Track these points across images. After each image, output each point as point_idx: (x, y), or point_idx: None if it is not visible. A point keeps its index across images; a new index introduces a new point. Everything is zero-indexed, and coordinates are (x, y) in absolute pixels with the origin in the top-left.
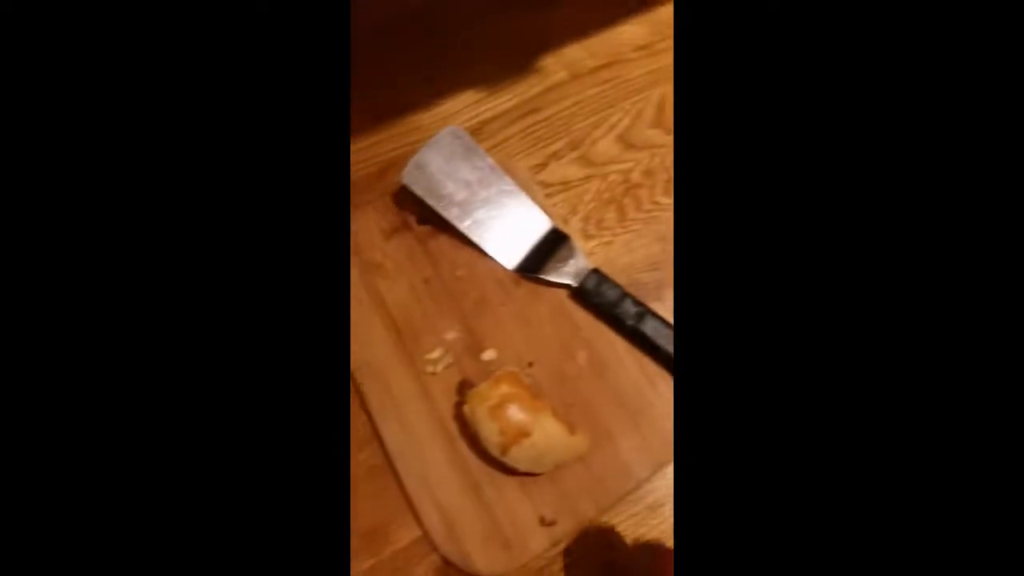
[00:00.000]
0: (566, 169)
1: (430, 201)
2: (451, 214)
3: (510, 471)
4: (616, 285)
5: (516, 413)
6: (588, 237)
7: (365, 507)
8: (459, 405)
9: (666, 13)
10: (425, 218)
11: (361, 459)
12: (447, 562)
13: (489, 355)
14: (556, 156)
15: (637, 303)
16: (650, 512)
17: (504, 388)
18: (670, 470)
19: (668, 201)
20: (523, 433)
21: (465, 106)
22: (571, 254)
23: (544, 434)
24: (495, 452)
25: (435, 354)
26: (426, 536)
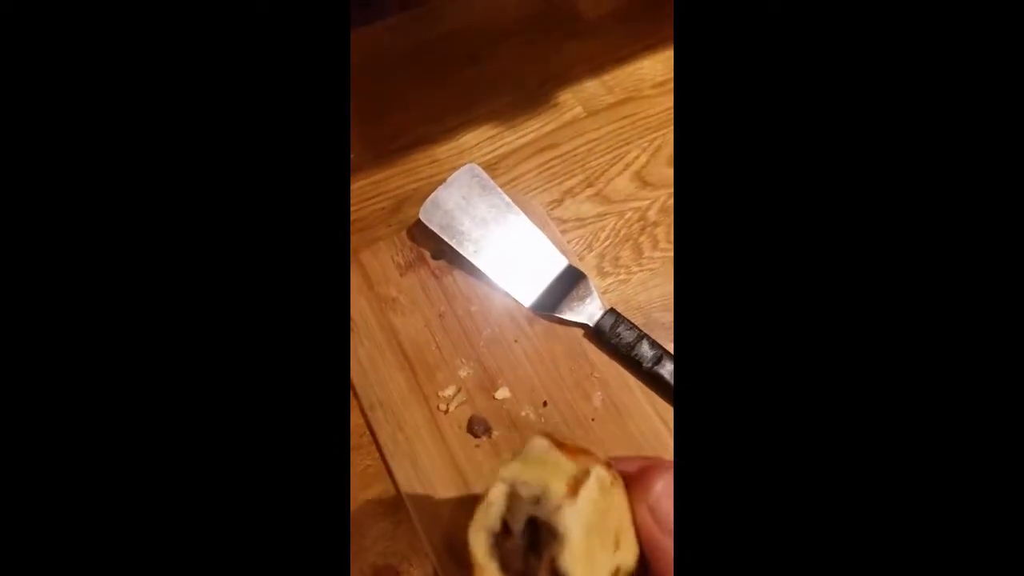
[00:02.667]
0: (581, 206)
1: (446, 237)
2: (466, 250)
3: None
4: (633, 326)
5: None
6: (604, 275)
7: (376, 546)
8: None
9: None
10: (440, 253)
11: (372, 496)
12: None
13: (503, 393)
14: (571, 193)
15: (654, 345)
16: None
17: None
18: None
19: None
20: None
21: (481, 141)
22: (587, 293)
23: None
24: None
25: (448, 391)
26: (437, 574)
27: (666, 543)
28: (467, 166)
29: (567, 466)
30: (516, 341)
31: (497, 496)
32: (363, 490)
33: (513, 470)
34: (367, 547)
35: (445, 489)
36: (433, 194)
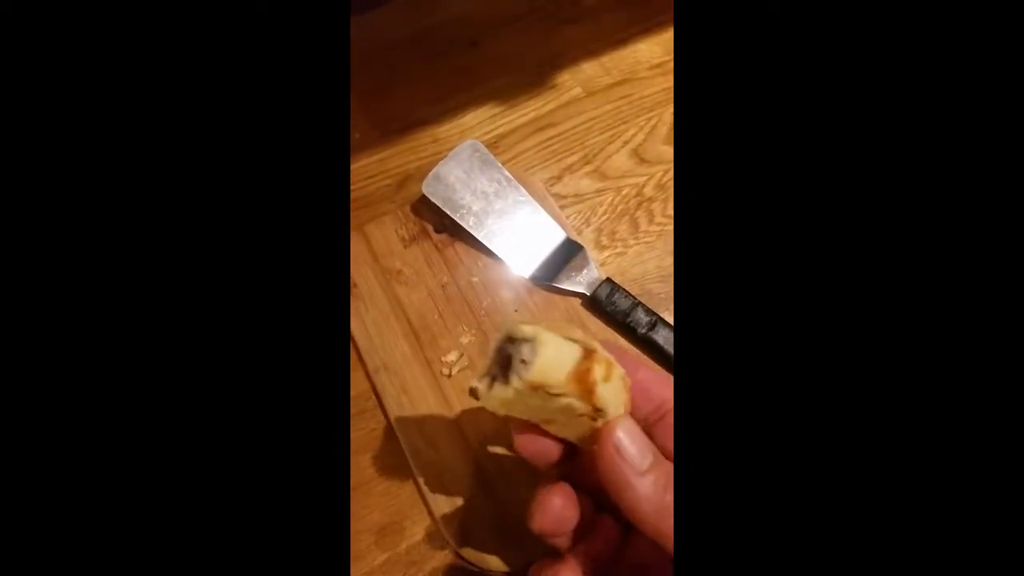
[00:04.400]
0: (580, 182)
1: (448, 210)
2: (468, 223)
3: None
4: (629, 295)
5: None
6: (601, 248)
7: (381, 503)
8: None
9: None
10: (443, 227)
11: (377, 457)
12: (460, 557)
13: None
14: (571, 169)
15: (649, 312)
16: None
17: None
18: None
19: None
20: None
21: (482, 120)
22: (584, 264)
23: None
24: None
25: (451, 357)
26: (440, 532)
27: (636, 481)
28: (468, 142)
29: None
30: (516, 310)
31: (494, 341)
32: (368, 452)
33: (512, 323)
34: (371, 506)
35: (447, 449)
36: (435, 168)
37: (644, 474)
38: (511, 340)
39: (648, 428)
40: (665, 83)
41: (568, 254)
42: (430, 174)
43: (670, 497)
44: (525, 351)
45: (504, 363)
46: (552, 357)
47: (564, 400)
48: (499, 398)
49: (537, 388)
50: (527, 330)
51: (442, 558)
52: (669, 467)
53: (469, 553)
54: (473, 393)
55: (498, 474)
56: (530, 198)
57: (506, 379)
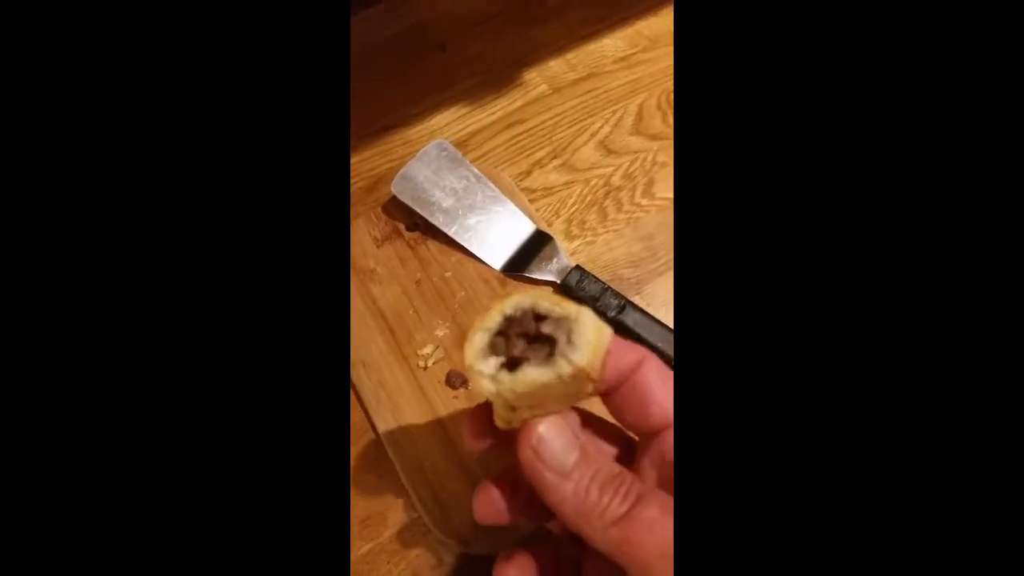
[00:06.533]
0: (549, 176)
1: (418, 208)
2: (439, 220)
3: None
4: (598, 280)
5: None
6: (572, 238)
7: (363, 496)
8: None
9: (644, 26)
10: (415, 225)
11: (357, 451)
12: (442, 542)
13: None
14: (539, 164)
15: (618, 296)
16: None
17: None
18: None
19: (647, 203)
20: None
21: (451, 120)
22: (554, 253)
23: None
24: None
25: (426, 350)
26: (421, 519)
27: (550, 478)
28: (435, 141)
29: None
30: (489, 301)
31: (497, 314)
32: (350, 446)
33: (516, 297)
34: (354, 497)
35: (426, 439)
36: (403, 168)
37: (568, 474)
38: (537, 317)
39: (609, 393)
40: (629, 76)
41: (538, 245)
42: (398, 174)
43: (594, 496)
44: (562, 331)
45: (512, 345)
46: (594, 338)
47: (577, 383)
48: (526, 381)
49: (582, 375)
50: (569, 308)
51: (425, 545)
52: (597, 464)
53: (451, 538)
54: (449, 381)
55: (475, 460)
56: (499, 193)
57: (512, 364)
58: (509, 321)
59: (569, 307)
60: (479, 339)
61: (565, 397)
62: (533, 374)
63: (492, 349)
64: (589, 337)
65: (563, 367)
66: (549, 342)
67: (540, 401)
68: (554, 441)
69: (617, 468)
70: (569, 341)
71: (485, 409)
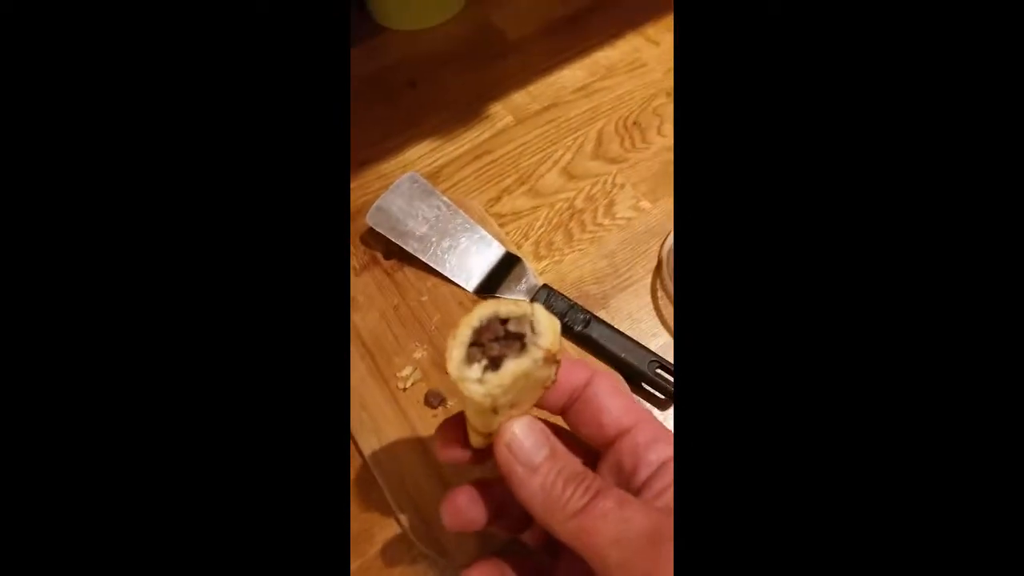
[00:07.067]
0: (516, 201)
1: (394, 238)
2: (413, 248)
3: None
4: (565, 297)
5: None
6: (540, 258)
7: (351, 513)
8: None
9: (602, 56)
10: (391, 253)
11: None
12: (424, 555)
13: None
14: (507, 191)
15: (584, 311)
16: None
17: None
18: None
19: (609, 222)
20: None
21: (423, 154)
22: (524, 274)
23: None
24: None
25: (405, 372)
26: (406, 534)
27: (522, 473)
28: (408, 174)
29: None
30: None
31: (467, 328)
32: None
33: (478, 310)
34: None
35: (406, 455)
36: (378, 200)
37: (536, 469)
38: (500, 321)
39: (565, 409)
40: (588, 104)
41: (508, 266)
42: (374, 206)
43: (559, 490)
44: (525, 326)
45: (488, 349)
46: (550, 324)
47: (547, 367)
48: (512, 372)
49: (550, 356)
50: (525, 306)
51: (411, 559)
52: (564, 461)
53: (432, 549)
54: (428, 401)
55: (454, 474)
56: (469, 220)
57: (493, 365)
58: (478, 331)
59: (524, 306)
60: (457, 353)
61: (538, 383)
62: (515, 365)
63: (469, 359)
64: (547, 324)
65: (536, 352)
66: (518, 338)
67: (518, 395)
68: (526, 439)
69: (581, 466)
70: (534, 331)
71: (453, 422)
